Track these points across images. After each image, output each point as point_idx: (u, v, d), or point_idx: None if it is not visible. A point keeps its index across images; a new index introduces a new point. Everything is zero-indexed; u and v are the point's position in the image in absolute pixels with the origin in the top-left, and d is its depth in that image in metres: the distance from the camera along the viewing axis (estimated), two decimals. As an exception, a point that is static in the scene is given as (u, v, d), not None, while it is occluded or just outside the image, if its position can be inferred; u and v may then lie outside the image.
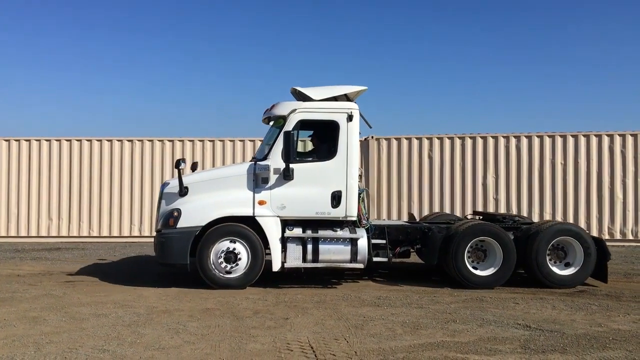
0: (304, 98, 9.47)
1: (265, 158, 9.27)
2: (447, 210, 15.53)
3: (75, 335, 6.26)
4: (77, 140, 16.44)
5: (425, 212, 15.34)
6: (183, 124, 39.75)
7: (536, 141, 15.67)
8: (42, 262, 12.33)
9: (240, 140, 16.62)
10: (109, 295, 8.57)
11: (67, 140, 16.43)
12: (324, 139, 9.53)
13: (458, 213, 15.32)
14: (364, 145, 15.79)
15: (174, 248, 9.01)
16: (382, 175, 16.13)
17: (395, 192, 16.03)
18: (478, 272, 9.35)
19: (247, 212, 9.11)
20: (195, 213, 9.06)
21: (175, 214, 9.08)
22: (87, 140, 16.46)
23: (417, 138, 16.11)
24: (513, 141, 15.77)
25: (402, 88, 41.15)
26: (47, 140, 16.42)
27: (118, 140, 16.49)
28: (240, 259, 9.03)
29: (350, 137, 9.25)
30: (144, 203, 16.35)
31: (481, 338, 6.26)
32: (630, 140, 15.33)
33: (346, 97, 9.67)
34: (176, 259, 9.03)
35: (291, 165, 9.01)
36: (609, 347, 5.95)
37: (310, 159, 9.41)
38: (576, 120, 42.14)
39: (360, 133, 9.57)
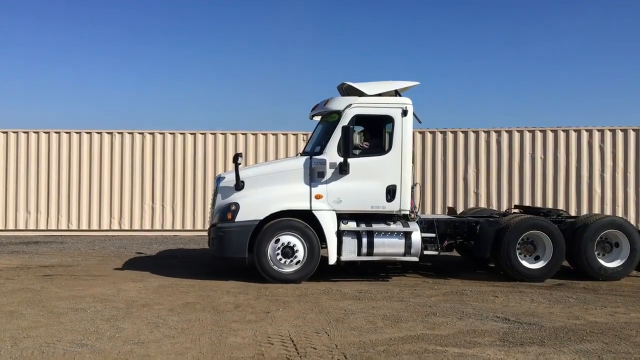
0: (354, 93, 9.52)
1: (320, 152, 9.31)
2: (428, 204, 15.62)
3: (53, 330, 6.19)
4: (56, 132, 16.19)
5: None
6: (167, 118, 39.44)
7: (516, 136, 15.80)
8: (19, 255, 12.16)
9: (221, 133, 16.52)
10: (88, 289, 8.47)
11: (45, 132, 16.18)
12: (378, 133, 9.58)
13: (439, 208, 15.45)
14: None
15: (232, 242, 9.03)
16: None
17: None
18: (529, 265, 9.47)
19: (305, 206, 9.17)
20: (253, 207, 9.10)
21: (233, 207, 9.09)
22: (66, 132, 16.21)
23: (398, 132, 16.09)
24: (494, 136, 15.88)
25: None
26: (24, 132, 16.15)
27: (97, 133, 16.26)
28: (297, 253, 9.07)
29: (404, 132, 9.36)
30: (123, 196, 16.16)
31: (461, 331, 6.31)
32: (608, 135, 15.53)
33: (395, 92, 9.72)
34: (234, 252, 9.05)
35: (348, 160, 9.05)
36: (586, 339, 6.03)
37: (366, 153, 9.42)
38: (556, 116, 42.58)
39: None
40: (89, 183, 16.13)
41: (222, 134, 16.46)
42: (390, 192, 9.26)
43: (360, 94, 9.47)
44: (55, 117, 39.80)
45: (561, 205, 15.40)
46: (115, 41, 37.71)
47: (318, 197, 9.18)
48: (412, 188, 9.63)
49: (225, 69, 40.33)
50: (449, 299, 8.08)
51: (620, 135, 15.51)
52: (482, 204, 15.47)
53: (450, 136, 15.98)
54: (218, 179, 9.81)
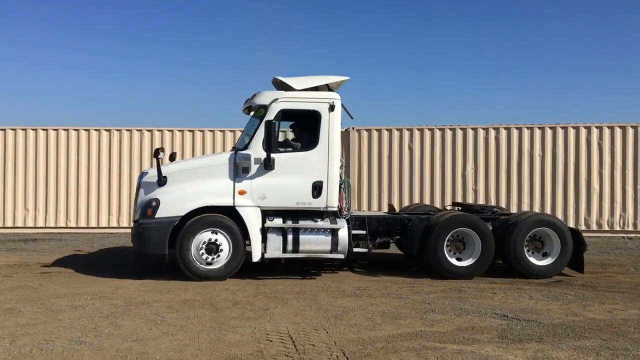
0: (286, 88, 9.40)
1: (246, 148, 9.17)
2: (427, 201, 15.60)
3: (51, 327, 6.18)
4: (54, 129, 16.15)
5: (406, 203, 15.40)
6: (158, 115, 39.40)
7: (515, 133, 15.79)
8: (17, 253, 12.15)
9: (220, 131, 16.42)
10: (86, 286, 8.47)
11: (43, 129, 16.13)
12: (305, 129, 9.48)
13: (438, 204, 15.40)
14: (345, 136, 15.65)
15: (152, 238, 8.86)
16: (363, 167, 16.13)
17: (375, 184, 16.05)
18: (457, 263, 9.38)
19: (228, 202, 9.01)
20: (174, 203, 8.93)
21: (154, 203, 8.94)
22: (64, 129, 16.17)
23: (397, 129, 16.12)
24: (492, 133, 15.86)
25: (384, 79, 41.21)
26: (22, 129, 16.11)
27: (95, 130, 16.24)
28: (221, 250, 8.93)
29: (331, 128, 9.20)
30: (122, 193, 16.14)
31: (459, 328, 6.31)
32: (607, 132, 15.52)
33: (328, 87, 9.62)
34: (154, 249, 8.89)
35: (272, 155, 8.93)
36: (585, 336, 6.04)
37: (292, 148, 9.34)
38: (555, 112, 42.57)
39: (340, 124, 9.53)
40: (87, 180, 16.09)
41: (220, 131, 16.43)
42: (317, 189, 9.10)
43: (289, 88, 9.37)
44: (53, 114, 39.77)
45: (560, 202, 15.43)
46: (115, 41, 37.66)
47: (242, 193, 9.04)
48: (341, 184, 9.47)
49: (226, 67, 40.30)
50: (448, 295, 8.08)
51: (618, 133, 15.51)
52: (481, 201, 15.46)
53: (448, 133, 15.95)
54: (141, 175, 9.63)
